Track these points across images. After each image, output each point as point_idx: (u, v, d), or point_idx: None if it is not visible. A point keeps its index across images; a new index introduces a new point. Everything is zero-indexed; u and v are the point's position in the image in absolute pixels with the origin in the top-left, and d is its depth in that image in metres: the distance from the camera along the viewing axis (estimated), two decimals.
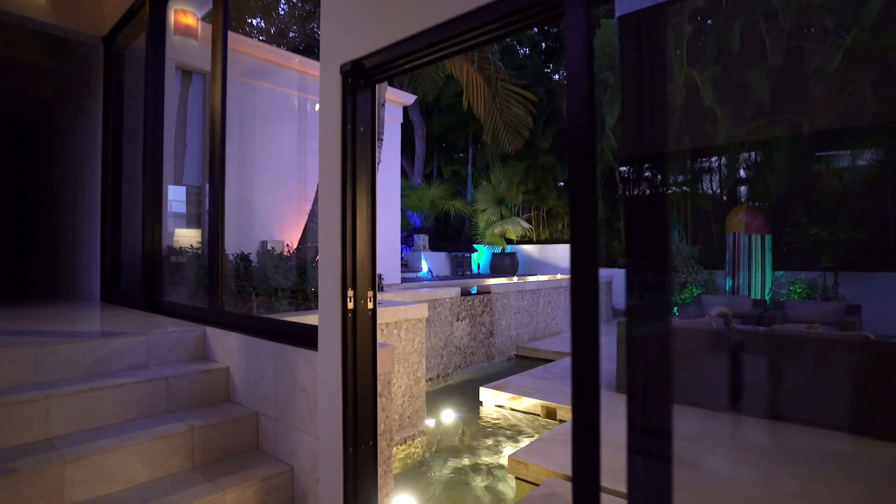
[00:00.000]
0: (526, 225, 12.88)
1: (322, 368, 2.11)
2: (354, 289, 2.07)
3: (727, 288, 10.45)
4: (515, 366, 7.57)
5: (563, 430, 4.06)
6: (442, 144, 16.43)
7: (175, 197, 5.68)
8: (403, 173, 16.75)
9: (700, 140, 11.17)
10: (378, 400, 2.24)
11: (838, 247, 9.06)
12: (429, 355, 6.44)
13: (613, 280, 11.88)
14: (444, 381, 6.53)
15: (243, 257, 3.86)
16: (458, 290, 6.96)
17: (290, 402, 2.32)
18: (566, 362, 6.73)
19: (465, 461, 3.98)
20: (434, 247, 14.22)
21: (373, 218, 2.21)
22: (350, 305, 2.05)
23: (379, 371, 2.25)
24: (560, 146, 13.74)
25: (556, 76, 14.43)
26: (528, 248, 14.16)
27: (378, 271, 7.13)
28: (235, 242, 5.32)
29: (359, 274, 2.09)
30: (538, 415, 5.01)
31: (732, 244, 10.38)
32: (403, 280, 10.32)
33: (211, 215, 3.05)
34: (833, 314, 7.41)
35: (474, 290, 7.25)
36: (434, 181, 13.87)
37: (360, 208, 2.13)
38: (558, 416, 4.87)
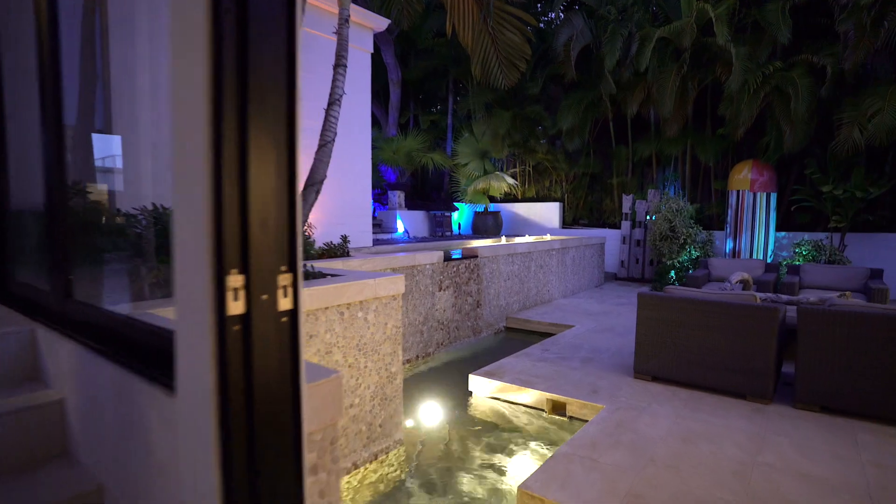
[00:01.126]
0: (511, 181, 11.76)
1: (185, 430, 1.02)
2: (246, 273, 0.96)
3: (727, 250, 9.67)
4: (505, 340, 6.64)
5: (585, 442, 3.11)
6: (419, 94, 14.95)
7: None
8: (376, 123, 15.30)
9: (710, 84, 10.10)
10: (316, 475, 1.18)
11: (852, 205, 8.27)
12: (406, 334, 5.41)
13: (607, 241, 10.95)
14: (425, 363, 5.55)
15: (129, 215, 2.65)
16: (441, 254, 5.88)
17: (143, 480, 1.24)
18: (567, 338, 5.79)
19: (458, 485, 3.01)
20: (411, 205, 13.01)
21: (291, 154, 1.06)
22: (235, 307, 0.94)
23: (311, 427, 1.17)
24: (551, 93, 12.49)
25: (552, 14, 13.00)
26: (513, 206, 13.10)
27: (346, 232, 5.86)
28: (152, 196, 4.09)
29: (254, 247, 0.96)
30: (542, 409, 4.07)
31: (735, 203, 9.53)
32: (376, 242, 9.19)
33: (45, 149, 1.85)
34: (856, 279, 6.63)
35: (458, 254, 6.20)
36: (411, 132, 12.53)
37: (259, 136, 0.98)
38: (568, 412, 3.94)
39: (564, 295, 8.75)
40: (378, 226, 11.62)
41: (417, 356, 5.58)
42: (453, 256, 6.22)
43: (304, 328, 1.55)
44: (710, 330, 3.93)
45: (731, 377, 3.87)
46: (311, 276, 3.24)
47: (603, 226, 12.13)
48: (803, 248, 8.42)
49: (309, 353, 2.85)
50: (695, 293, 4.13)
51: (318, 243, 5.25)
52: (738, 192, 9.40)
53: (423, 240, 10.79)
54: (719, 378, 3.93)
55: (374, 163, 12.01)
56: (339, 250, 5.10)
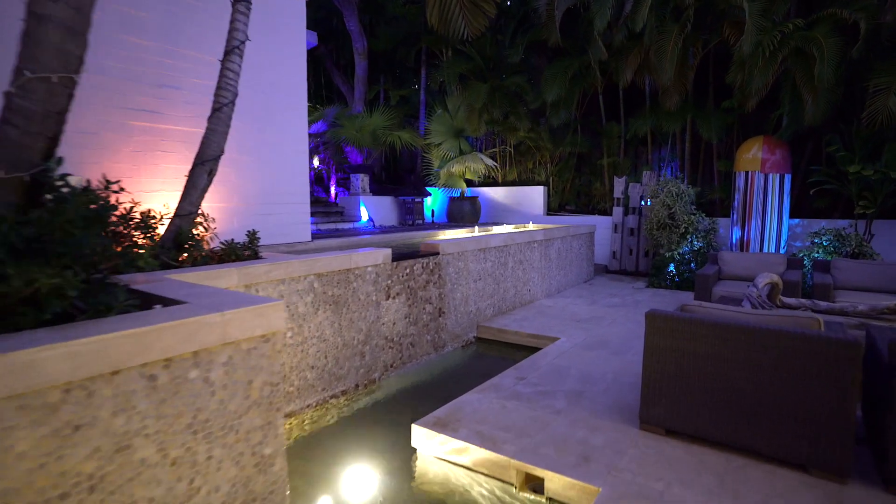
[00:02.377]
0: (489, 162, 10.45)
1: None
2: None
3: (733, 240, 8.50)
4: (475, 357, 5.38)
5: None
6: (389, 67, 13.48)
7: None
8: (341, 98, 13.82)
9: (713, 51, 8.82)
10: None
11: (882, 188, 7.10)
12: (340, 357, 4.12)
13: (597, 230, 9.72)
14: (368, 394, 4.27)
15: None
16: (387, 253, 4.57)
17: None
18: (549, 358, 4.54)
19: None
20: (379, 190, 11.64)
21: None
22: None
23: None
24: (534, 63, 11.11)
25: None
26: (492, 191, 11.80)
27: (277, 222, 4.48)
28: None
29: None
30: (511, 483, 2.83)
31: (744, 186, 8.33)
32: (334, 233, 7.85)
33: None
34: None
35: (411, 253, 4.90)
36: (378, 108, 11.11)
37: None
38: (548, 491, 2.70)
39: (549, 294, 7.52)
40: (339, 213, 10.26)
41: (357, 385, 4.30)
42: (407, 254, 4.93)
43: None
44: (752, 368, 2.70)
45: (787, 438, 2.65)
46: (113, 308, 1.91)
47: (592, 212, 10.89)
48: (823, 239, 7.25)
49: (77, 459, 1.56)
50: (729, 314, 2.88)
51: (220, 240, 3.91)
52: (746, 173, 8.19)
53: (390, 229, 9.47)
54: (768, 438, 2.71)
55: (336, 143, 10.60)
56: (240, 251, 3.77)
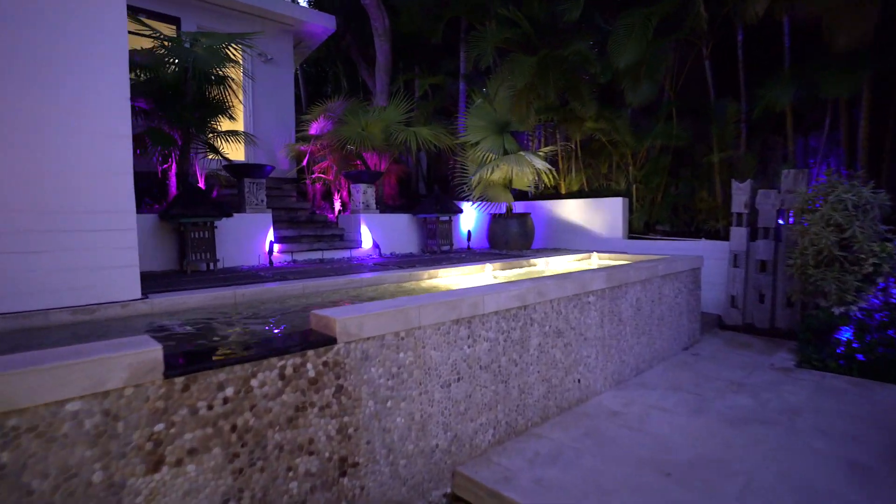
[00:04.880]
0: (540, 164, 7.40)
1: None
2: None
3: None
4: None
5: None
6: (419, 49, 10.87)
7: None
8: (365, 90, 11.48)
9: None
10: None
11: None
12: None
13: (704, 263, 6.25)
14: None
15: None
16: (145, 357, 1.83)
17: None
18: None
19: None
20: (395, 206, 9.04)
21: None
22: None
23: None
24: (600, 24, 7.92)
25: None
26: (551, 205, 8.71)
27: (68, 267, 2.77)
28: None
29: None
30: None
31: None
32: (326, 262, 5.33)
33: None
34: None
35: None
36: (394, 99, 8.56)
37: None
38: None
39: (618, 380, 4.33)
40: (339, 237, 7.77)
41: None
42: (232, 359, 2.18)
43: None
44: None
45: None
46: None
47: (696, 234, 7.41)
48: None
49: None
50: None
51: None
52: None
53: (403, 259, 6.80)
54: None
55: (343, 144, 8.16)
56: None
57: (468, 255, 7.33)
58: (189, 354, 2.06)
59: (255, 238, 6.39)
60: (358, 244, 7.48)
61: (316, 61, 14.87)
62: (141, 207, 6.44)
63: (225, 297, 3.44)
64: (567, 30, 7.60)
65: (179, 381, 1.92)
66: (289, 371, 2.23)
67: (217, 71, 6.41)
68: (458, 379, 2.96)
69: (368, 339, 2.54)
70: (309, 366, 2.30)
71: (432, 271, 4.82)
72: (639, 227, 7.82)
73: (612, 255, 6.40)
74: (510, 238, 8.14)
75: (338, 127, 8.12)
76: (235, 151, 10.79)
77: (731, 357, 5.11)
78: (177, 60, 5.70)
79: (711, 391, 4.11)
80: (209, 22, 8.81)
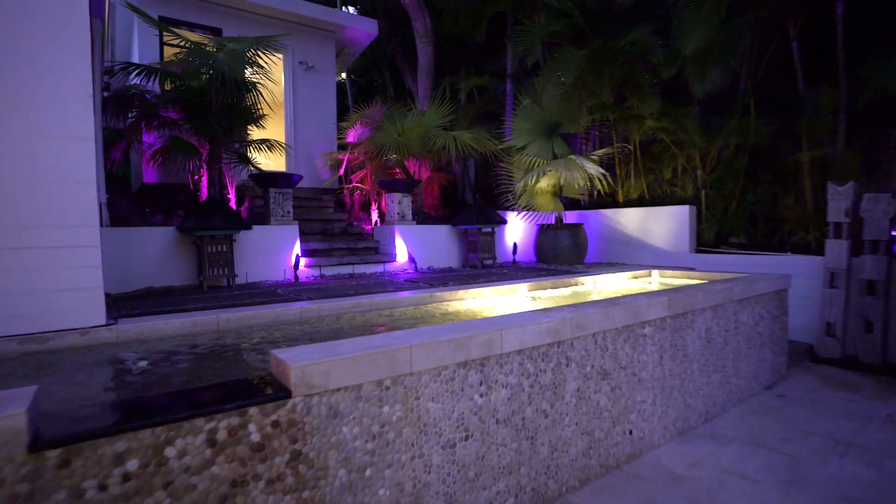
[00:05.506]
0: (594, 169, 6.60)
1: None
2: None
3: None
4: None
5: None
6: (465, 50, 10.30)
7: None
8: (411, 97, 11.07)
9: None
10: None
11: None
12: None
13: (792, 281, 5.18)
14: None
15: None
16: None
17: None
18: None
19: None
20: (437, 217, 8.50)
21: None
22: None
23: None
24: (660, 12, 7.01)
25: None
26: (607, 215, 7.86)
27: (16, 290, 2.42)
28: None
29: None
30: None
31: None
32: (326, 283, 4.90)
33: None
34: None
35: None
36: (434, 103, 8.03)
37: None
38: None
39: (682, 429, 3.49)
40: (374, 250, 7.32)
41: None
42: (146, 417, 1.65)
43: None
44: None
45: None
46: None
47: (780, 248, 6.31)
48: None
49: None
50: None
51: None
52: None
53: (439, 275, 6.26)
54: None
55: (378, 153, 7.73)
56: None
57: (511, 271, 6.64)
58: (72, 417, 1.56)
59: (280, 251, 6.05)
60: (392, 258, 6.99)
61: (364, 71, 14.75)
62: (172, 220, 6.29)
63: (206, 324, 3.00)
64: (623, 17, 6.77)
65: (53, 454, 1.42)
66: (222, 435, 1.69)
67: (244, 77, 6.17)
68: (467, 437, 2.32)
69: (339, 390, 1.96)
70: (252, 427, 1.75)
71: (459, 292, 4.19)
72: (709, 240, 6.80)
73: (677, 273, 5.49)
74: (560, 251, 7.36)
75: (374, 133, 7.71)
76: (276, 161, 10.70)
77: (831, 402, 4.10)
78: (202, 66, 5.46)
79: (808, 451, 3.19)
80: (250, 31, 8.70)
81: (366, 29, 9.75)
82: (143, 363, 2.55)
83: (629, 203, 7.80)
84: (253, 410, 1.77)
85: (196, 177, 6.56)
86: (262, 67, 6.06)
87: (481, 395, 2.38)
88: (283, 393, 1.84)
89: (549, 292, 4.69)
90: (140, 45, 7.60)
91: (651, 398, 3.24)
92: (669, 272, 5.55)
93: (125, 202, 6.69)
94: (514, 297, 4.47)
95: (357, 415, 2.00)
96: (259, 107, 6.76)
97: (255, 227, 5.93)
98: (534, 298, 4.42)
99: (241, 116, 6.15)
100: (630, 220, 7.52)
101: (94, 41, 5.47)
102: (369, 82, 15.37)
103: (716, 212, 6.86)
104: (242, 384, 1.95)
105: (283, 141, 9.69)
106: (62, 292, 2.64)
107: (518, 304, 4.22)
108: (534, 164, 7.31)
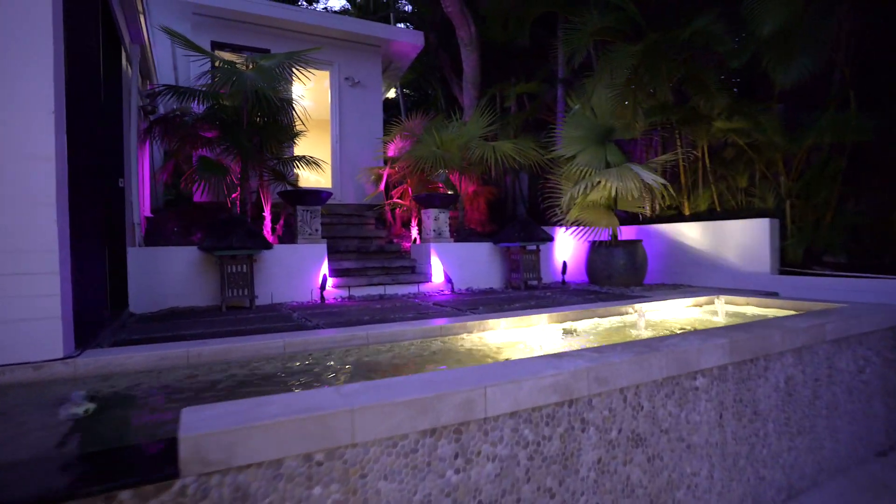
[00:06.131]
0: (652, 178, 5.79)
1: None
2: None
3: None
4: None
5: None
6: (513, 56, 9.73)
7: None
8: (458, 107, 10.65)
9: None
10: None
11: None
12: None
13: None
14: None
15: None
16: None
17: None
18: None
19: None
20: (483, 233, 7.96)
21: None
22: None
23: None
24: None
25: None
26: (671, 230, 6.97)
27: None
28: None
29: None
30: None
31: None
32: (353, 305, 4.56)
33: None
34: None
35: None
36: (476, 112, 7.53)
37: None
38: None
39: None
40: (410, 269, 6.93)
41: None
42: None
43: None
44: None
45: None
46: None
47: (892, 270, 5.16)
48: None
49: None
50: None
51: None
52: None
53: (477, 297, 5.76)
54: None
55: (419, 167, 7.37)
56: None
57: (555, 294, 5.96)
58: None
59: (308, 271, 5.79)
60: (428, 278, 6.54)
61: (417, 84, 14.62)
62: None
63: (176, 358, 2.67)
64: (682, 6, 5.94)
65: None
66: None
67: (273, 93, 6.05)
68: None
69: (249, 467, 1.49)
70: None
71: (480, 322, 3.63)
72: (796, 258, 5.74)
73: (752, 300, 4.58)
74: (614, 271, 6.56)
75: (412, 147, 7.36)
76: (322, 178, 10.65)
77: None
78: (225, 83, 5.36)
79: None
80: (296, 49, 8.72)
81: (411, 41, 9.52)
82: (89, 406, 2.23)
83: (697, 216, 6.84)
84: (125, 495, 1.35)
85: (234, 195, 6.51)
86: (290, 83, 5.90)
87: (457, 472, 1.82)
88: (170, 470, 1.40)
89: (589, 323, 4.00)
90: (182, 68, 7.81)
91: (706, 469, 2.50)
92: (741, 298, 4.65)
93: (173, 221, 6.76)
94: (547, 328, 3.84)
95: (276, 499, 1.52)
96: (293, 123, 6.63)
97: (281, 245, 5.72)
98: (566, 332, 3.76)
99: (273, 133, 6.00)
100: (698, 235, 6.58)
101: (132, 65, 5.54)
102: (423, 96, 15.23)
103: (804, 225, 5.79)
104: (129, 454, 1.54)
105: (330, 156, 9.65)
106: (15, 322, 2.42)
107: (547, 338, 3.59)
108: (582, 174, 6.61)
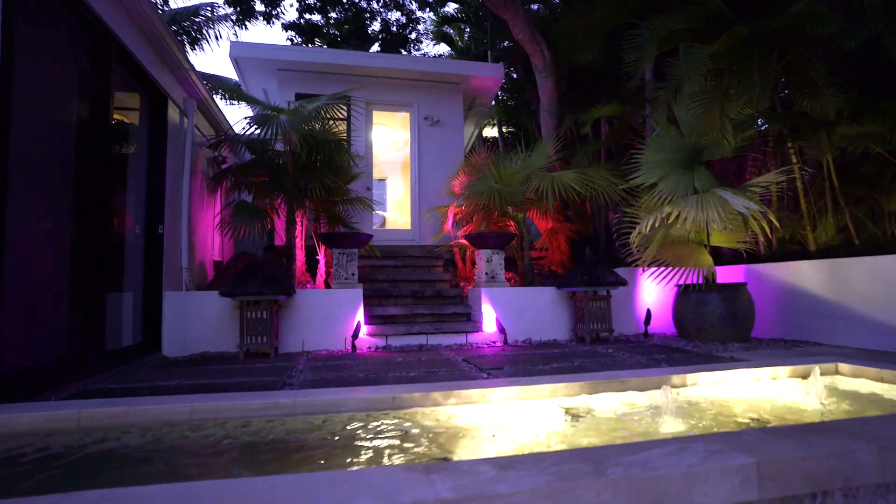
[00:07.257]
0: (740, 205, 4.49)
1: None
2: None
3: None
4: None
5: None
6: (599, 80, 8.76)
7: None
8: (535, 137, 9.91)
9: None
10: None
11: None
12: None
13: None
14: None
15: None
16: None
17: None
18: None
19: None
20: (559, 275, 7.06)
21: None
22: None
23: None
24: None
25: None
26: (784, 270, 5.43)
27: None
28: None
29: None
30: None
31: None
32: (375, 359, 4.21)
33: None
34: None
35: None
36: (539, 144, 6.75)
37: None
38: None
39: None
40: (464, 317, 6.34)
41: None
42: None
43: None
44: None
45: None
46: None
47: None
48: None
49: None
50: None
51: None
52: None
53: (534, 352, 5.03)
54: None
55: (482, 205, 6.88)
56: None
57: (621, 350, 4.89)
58: None
59: (343, 318, 5.52)
60: (478, 327, 5.88)
61: (517, 121, 14.19)
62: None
63: (66, 420, 2.46)
64: None
65: None
66: None
67: (328, 135, 6.08)
68: None
69: None
70: None
71: (451, 392, 2.90)
72: None
73: (886, 373, 3.15)
74: (706, 323, 5.24)
75: (471, 182, 6.88)
76: (399, 219, 10.55)
77: None
78: (261, 127, 5.51)
79: None
80: (373, 94, 8.88)
81: (492, 75, 9.17)
82: None
83: (826, 252, 5.22)
84: None
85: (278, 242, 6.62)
86: (332, 121, 5.89)
87: None
88: None
89: (617, 399, 3.01)
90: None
91: None
92: (872, 370, 3.23)
93: (240, 266, 7.09)
94: (553, 405, 2.96)
95: None
96: (348, 164, 6.61)
97: (314, 290, 5.56)
98: (575, 413, 2.83)
99: (320, 175, 5.99)
100: (825, 276, 4.98)
101: (188, 117, 5.94)
102: (525, 131, 14.75)
103: None
104: None
105: (409, 197, 9.56)
106: None
107: (539, 420, 2.73)
108: (662, 202, 5.48)
